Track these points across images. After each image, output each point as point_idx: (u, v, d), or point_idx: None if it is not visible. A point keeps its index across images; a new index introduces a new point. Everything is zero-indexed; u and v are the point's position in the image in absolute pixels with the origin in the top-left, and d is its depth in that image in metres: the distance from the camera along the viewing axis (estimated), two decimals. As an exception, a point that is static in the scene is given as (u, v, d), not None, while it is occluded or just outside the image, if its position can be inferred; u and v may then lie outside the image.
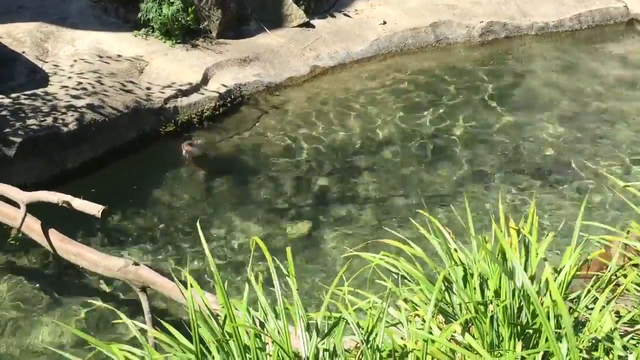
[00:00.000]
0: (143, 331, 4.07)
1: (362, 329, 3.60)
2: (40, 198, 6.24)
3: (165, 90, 9.27)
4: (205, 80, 9.70)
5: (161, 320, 4.04)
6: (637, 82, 10.70)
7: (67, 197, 6.02)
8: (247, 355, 3.47)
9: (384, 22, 11.60)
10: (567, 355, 3.24)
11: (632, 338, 3.63)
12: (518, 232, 4.06)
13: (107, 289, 6.65)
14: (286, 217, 7.70)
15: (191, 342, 3.51)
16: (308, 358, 3.52)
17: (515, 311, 3.63)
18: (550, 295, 3.57)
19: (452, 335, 3.61)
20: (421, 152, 8.88)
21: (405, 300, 3.95)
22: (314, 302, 6.17)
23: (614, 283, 3.94)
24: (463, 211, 4.48)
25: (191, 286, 3.75)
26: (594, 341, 3.48)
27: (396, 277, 4.09)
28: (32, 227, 6.31)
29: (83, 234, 7.06)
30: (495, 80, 10.67)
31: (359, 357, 3.59)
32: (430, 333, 3.51)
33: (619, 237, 4.37)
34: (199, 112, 9.29)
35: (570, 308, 3.70)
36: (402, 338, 3.66)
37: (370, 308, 3.78)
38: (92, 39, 10.08)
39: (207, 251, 3.82)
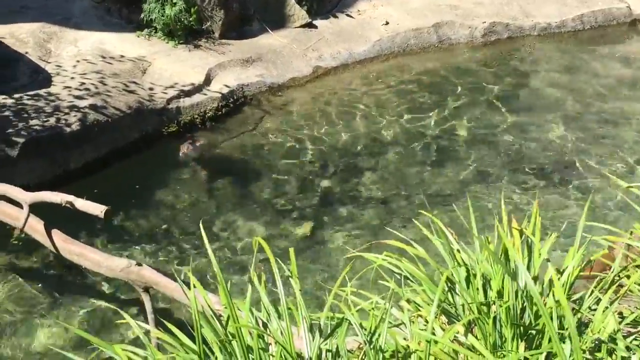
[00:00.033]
0: (146, 331, 4.07)
1: (365, 329, 3.60)
2: (43, 198, 6.24)
3: (167, 91, 9.28)
4: (207, 80, 9.71)
5: (164, 321, 4.04)
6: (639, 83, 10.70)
7: (70, 198, 6.02)
8: (250, 355, 3.47)
9: (387, 23, 11.60)
10: (570, 356, 3.24)
11: (635, 339, 3.62)
12: (521, 232, 4.06)
13: (110, 290, 6.66)
14: (289, 218, 7.71)
15: (194, 342, 3.51)
16: (311, 359, 3.52)
17: (518, 312, 3.62)
18: (554, 295, 3.57)
19: (454, 336, 3.61)
20: (424, 153, 8.88)
21: (408, 301, 3.95)
22: (317, 303, 6.17)
23: (617, 284, 3.93)
24: (466, 211, 4.48)
25: (194, 286, 3.76)
26: (597, 342, 3.48)
27: (399, 277, 4.09)
28: (35, 228, 6.31)
29: (86, 235, 7.06)
30: (499, 80, 10.67)
31: (361, 357, 3.59)
32: (433, 334, 3.51)
33: (622, 238, 4.36)
34: (202, 112, 9.30)
35: (573, 309, 3.69)
36: (404, 339, 3.66)
37: (373, 309, 3.78)
38: (95, 40, 10.09)
39: (210, 251, 3.83)
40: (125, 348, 3.67)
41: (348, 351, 3.61)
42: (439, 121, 9.54)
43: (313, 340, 3.57)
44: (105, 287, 6.68)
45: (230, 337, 3.52)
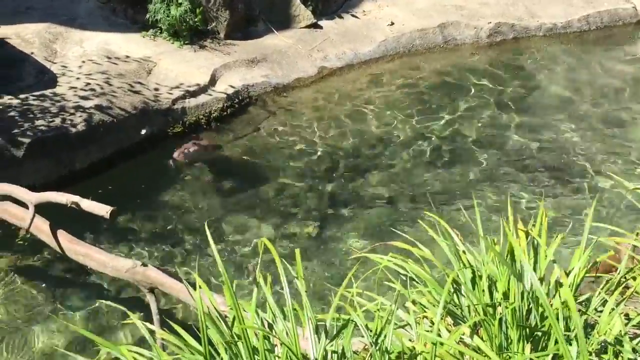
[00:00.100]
0: (151, 332, 4.07)
1: (371, 330, 3.60)
2: (49, 199, 6.25)
3: (173, 91, 9.29)
4: (213, 81, 9.71)
5: (169, 321, 4.05)
6: (646, 83, 10.68)
7: (76, 198, 6.03)
8: (255, 357, 3.47)
9: (392, 23, 11.59)
10: (577, 358, 3.23)
11: (641, 341, 3.62)
12: (527, 234, 4.05)
13: (115, 290, 6.66)
14: (294, 219, 7.70)
15: (199, 343, 3.51)
16: None
17: (524, 313, 3.62)
18: (560, 297, 3.57)
19: (460, 338, 3.60)
20: (431, 153, 8.86)
21: (414, 302, 3.95)
22: (323, 304, 6.17)
23: (623, 285, 3.92)
24: (473, 212, 4.47)
25: (200, 287, 3.76)
26: (603, 344, 3.47)
27: (405, 278, 4.08)
28: (41, 228, 6.32)
29: (91, 235, 7.07)
30: (504, 81, 10.65)
31: (367, 359, 3.59)
32: (439, 335, 3.51)
33: (628, 239, 4.35)
34: (207, 113, 9.30)
35: (579, 310, 3.69)
36: (410, 340, 3.66)
37: (378, 310, 3.78)
38: (100, 40, 10.10)
39: (215, 252, 3.83)
40: (131, 349, 3.67)
41: (354, 352, 3.61)
42: (446, 121, 9.52)
43: (319, 341, 3.57)
44: (110, 288, 6.68)
45: (236, 339, 3.52)
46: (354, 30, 11.41)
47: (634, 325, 3.71)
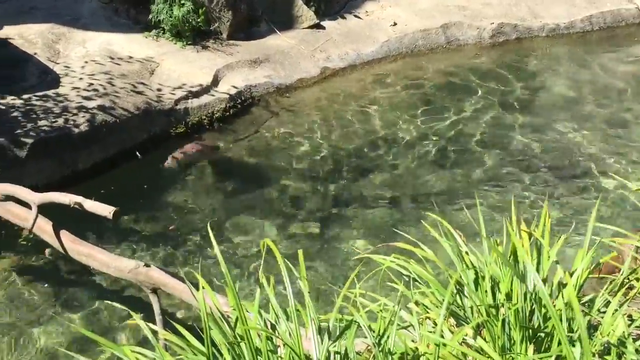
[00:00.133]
0: (154, 333, 4.07)
1: (374, 331, 3.60)
2: (51, 199, 6.25)
3: (175, 92, 9.30)
4: (215, 81, 9.72)
5: (172, 322, 4.04)
6: (649, 83, 10.67)
7: (79, 199, 6.03)
8: (258, 357, 3.47)
9: (395, 24, 11.59)
10: (580, 359, 3.23)
11: (644, 342, 3.61)
12: (530, 235, 4.05)
13: (118, 291, 6.66)
14: (297, 219, 7.70)
15: (202, 344, 3.51)
16: (319, 360, 3.52)
17: (527, 314, 3.61)
18: (563, 297, 3.56)
19: (463, 339, 3.60)
20: (434, 154, 8.86)
21: (417, 303, 3.94)
22: (326, 304, 6.16)
23: (626, 286, 3.92)
24: (476, 213, 4.47)
25: (202, 288, 3.76)
26: (606, 345, 3.47)
27: (407, 279, 4.08)
28: (44, 228, 6.33)
29: (94, 235, 7.07)
30: (507, 81, 10.64)
31: (370, 360, 3.59)
32: (442, 336, 3.50)
33: (632, 240, 4.34)
34: (210, 113, 9.31)
35: (582, 311, 3.68)
36: (413, 341, 3.65)
37: (381, 310, 3.77)
38: (103, 40, 10.12)
39: (218, 253, 3.82)
40: (134, 349, 3.67)
41: (357, 353, 3.60)
42: (449, 122, 9.52)
43: (322, 342, 3.56)
44: (112, 288, 6.69)
45: (239, 339, 3.52)
46: (357, 31, 11.41)
47: (637, 326, 3.70)
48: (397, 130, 9.32)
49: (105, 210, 5.94)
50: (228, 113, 9.44)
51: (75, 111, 8.39)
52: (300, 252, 3.93)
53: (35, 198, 6.34)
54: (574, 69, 11.08)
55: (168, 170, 8.27)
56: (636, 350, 3.42)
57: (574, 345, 3.32)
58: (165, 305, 6.17)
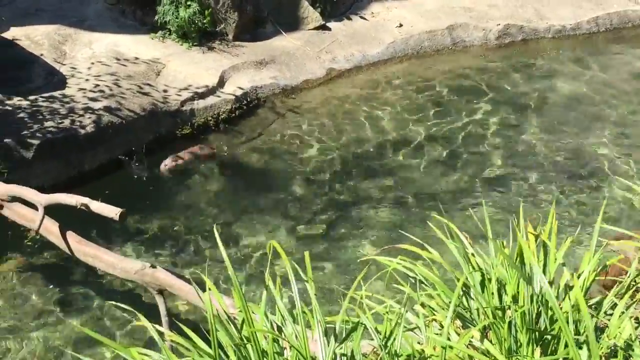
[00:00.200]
0: (160, 334, 4.07)
1: (380, 333, 3.59)
2: (58, 200, 6.26)
3: (181, 93, 9.30)
4: (221, 82, 9.73)
5: (178, 323, 4.04)
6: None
7: (85, 200, 6.03)
8: (265, 359, 3.46)
9: (400, 25, 11.59)
10: (587, 362, 3.22)
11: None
12: (536, 237, 4.04)
13: (124, 292, 6.67)
14: (303, 221, 7.69)
15: (209, 345, 3.51)
16: (325, 362, 3.52)
17: (534, 317, 3.61)
18: (570, 300, 3.55)
19: (469, 341, 3.59)
20: (440, 155, 8.85)
21: (423, 305, 3.94)
22: (332, 306, 6.16)
23: (633, 289, 3.91)
24: (484, 215, 4.46)
25: (209, 289, 3.76)
26: (613, 348, 3.46)
27: (414, 281, 4.08)
28: (50, 229, 6.33)
29: (100, 237, 7.08)
30: (513, 82, 10.63)
31: (376, 362, 3.59)
32: (449, 339, 3.50)
33: (638, 242, 4.33)
34: (215, 114, 9.31)
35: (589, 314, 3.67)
36: (419, 343, 3.65)
37: (387, 312, 3.77)
38: (109, 42, 10.13)
39: (224, 254, 3.82)
40: (140, 351, 3.67)
41: (363, 355, 3.60)
42: (455, 123, 9.51)
43: (328, 344, 3.56)
44: (119, 289, 6.69)
45: (245, 341, 3.52)
46: (363, 32, 11.41)
47: (644, 329, 3.69)
48: (403, 131, 9.31)
49: (111, 211, 5.95)
50: (234, 114, 9.45)
51: (81, 112, 8.41)
52: (306, 253, 3.93)
53: (42, 199, 6.35)
54: (580, 71, 11.05)
55: (174, 171, 8.27)
56: (643, 353, 3.41)
57: (580, 348, 3.31)
58: (171, 307, 6.18)
